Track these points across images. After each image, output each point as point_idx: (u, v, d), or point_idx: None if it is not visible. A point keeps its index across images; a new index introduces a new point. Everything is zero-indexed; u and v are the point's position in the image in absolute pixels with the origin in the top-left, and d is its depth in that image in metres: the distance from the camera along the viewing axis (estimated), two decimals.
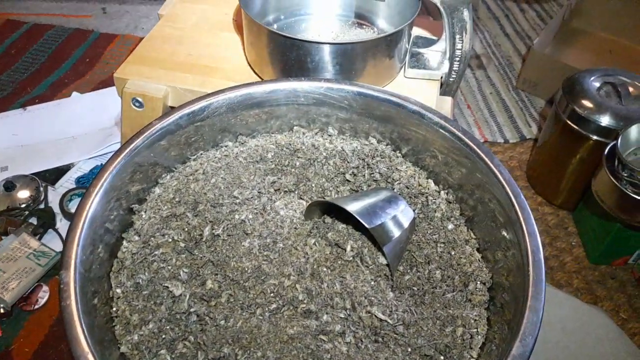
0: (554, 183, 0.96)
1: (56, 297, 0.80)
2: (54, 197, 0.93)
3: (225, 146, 0.55)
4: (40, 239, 0.85)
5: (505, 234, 0.46)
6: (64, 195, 0.91)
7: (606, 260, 0.85)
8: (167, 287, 0.43)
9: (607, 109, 0.83)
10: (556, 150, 0.94)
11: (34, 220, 0.88)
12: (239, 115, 0.55)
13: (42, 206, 0.91)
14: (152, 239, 0.47)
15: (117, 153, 0.49)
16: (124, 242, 0.48)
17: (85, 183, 0.96)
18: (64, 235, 0.86)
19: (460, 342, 0.43)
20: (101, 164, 0.97)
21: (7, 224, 0.85)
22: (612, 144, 0.79)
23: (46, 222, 0.87)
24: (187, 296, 0.43)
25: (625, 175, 0.76)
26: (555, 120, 0.92)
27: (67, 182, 0.97)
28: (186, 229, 0.47)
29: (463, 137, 0.49)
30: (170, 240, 0.47)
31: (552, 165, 0.96)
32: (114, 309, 0.44)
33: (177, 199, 0.50)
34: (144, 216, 0.49)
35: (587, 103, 0.85)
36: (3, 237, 0.84)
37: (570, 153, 0.90)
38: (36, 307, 0.78)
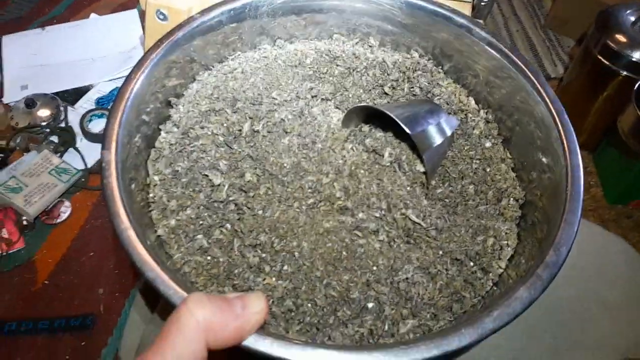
0: (577, 122, 0.94)
1: (77, 212, 0.81)
2: (74, 117, 0.92)
3: (264, 49, 0.54)
4: (61, 157, 0.86)
5: (543, 158, 0.46)
6: (84, 116, 0.91)
7: (624, 200, 0.85)
8: (207, 175, 0.44)
9: None
10: (582, 88, 0.92)
11: (54, 139, 0.88)
12: (277, 19, 0.54)
13: (62, 125, 0.91)
14: (191, 130, 0.47)
15: (158, 43, 0.48)
16: (162, 133, 0.48)
17: (105, 104, 0.96)
18: (84, 155, 0.87)
19: (490, 252, 0.44)
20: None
21: (28, 140, 0.86)
22: None
23: (67, 141, 0.87)
24: (226, 186, 0.44)
25: None
26: (584, 56, 0.90)
27: (86, 102, 0.97)
28: (225, 124, 0.47)
29: (510, 54, 0.48)
30: (209, 133, 0.47)
31: (577, 104, 0.94)
32: (151, 195, 0.44)
33: (215, 95, 0.50)
34: (182, 109, 0.49)
35: (621, 37, 0.82)
36: (25, 154, 0.84)
37: (597, 90, 0.89)
38: (58, 221, 0.79)
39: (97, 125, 0.89)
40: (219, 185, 0.44)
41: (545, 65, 1.13)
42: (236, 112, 0.48)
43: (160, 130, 0.48)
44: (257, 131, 0.47)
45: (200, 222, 0.42)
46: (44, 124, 0.89)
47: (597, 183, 0.90)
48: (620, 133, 0.80)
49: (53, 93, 0.95)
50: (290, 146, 0.46)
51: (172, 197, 0.44)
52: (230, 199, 0.43)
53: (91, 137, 0.89)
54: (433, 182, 0.48)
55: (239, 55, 0.54)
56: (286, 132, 0.47)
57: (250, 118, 0.47)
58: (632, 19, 0.85)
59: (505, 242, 0.44)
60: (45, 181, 0.80)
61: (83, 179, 0.83)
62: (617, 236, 0.59)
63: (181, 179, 0.44)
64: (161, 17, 0.70)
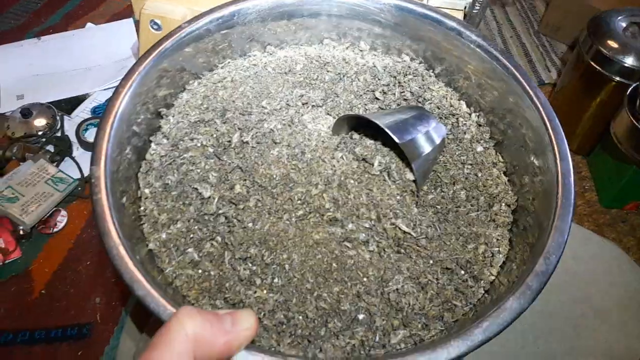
0: (571, 128, 0.95)
1: (74, 221, 0.81)
2: (70, 126, 0.93)
3: (253, 56, 0.54)
4: (57, 166, 0.86)
5: (534, 160, 0.46)
6: (80, 125, 0.91)
7: (618, 204, 0.85)
8: (197, 188, 0.44)
9: (632, 49, 0.81)
10: (576, 93, 0.92)
11: (50, 148, 0.88)
12: (268, 24, 0.53)
13: (58, 134, 0.91)
14: (181, 142, 0.47)
15: (146, 54, 0.48)
16: (152, 145, 0.48)
17: (101, 113, 0.97)
18: (80, 164, 0.87)
19: (482, 259, 0.44)
20: None
21: (24, 150, 0.86)
22: (635, 84, 0.78)
23: (63, 150, 0.88)
24: (216, 199, 0.43)
25: None
26: (577, 62, 0.90)
27: (82, 112, 0.98)
28: (215, 135, 0.47)
29: (501, 57, 0.48)
30: (199, 145, 0.46)
31: (570, 109, 0.94)
32: (142, 208, 0.44)
33: (205, 106, 0.49)
34: (171, 120, 0.49)
35: (612, 43, 0.82)
36: (21, 163, 0.84)
37: (590, 96, 0.89)
38: (55, 230, 0.80)
39: (93, 134, 0.90)
40: (208, 198, 0.43)
41: (539, 71, 1.14)
42: (225, 122, 0.48)
43: (151, 141, 0.48)
44: (247, 142, 0.46)
45: (191, 236, 0.42)
46: (40, 133, 0.89)
47: (592, 187, 0.90)
48: (613, 138, 0.80)
49: (49, 102, 0.95)
50: (280, 157, 0.46)
51: (162, 210, 0.44)
52: (220, 211, 0.43)
53: (87, 146, 0.89)
54: (425, 188, 0.48)
55: (229, 63, 0.54)
56: (275, 143, 0.47)
57: (239, 129, 0.47)
58: (624, 24, 0.85)
59: (497, 248, 0.44)
60: (41, 191, 0.80)
61: (79, 188, 0.83)
62: (611, 242, 0.59)
63: (171, 192, 0.44)
64: (155, 27, 0.70)
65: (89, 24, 1.16)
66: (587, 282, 0.55)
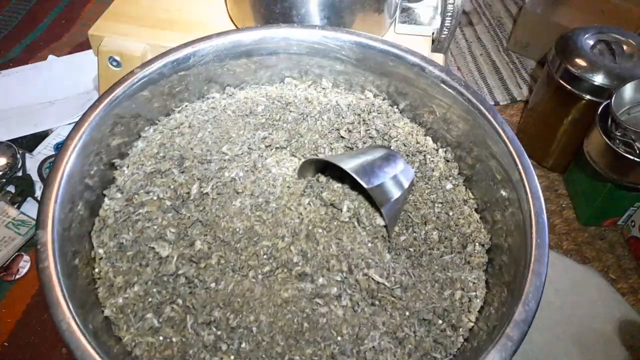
0: (545, 145, 0.95)
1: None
2: (32, 164, 0.89)
3: (212, 98, 0.52)
4: (19, 207, 0.82)
5: (504, 193, 0.45)
6: (42, 162, 0.88)
7: (596, 221, 0.85)
8: (153, 247, 0.41)
9: (601, 67, 0.81)
10: (547, 111, 0.92)
11: (11, 189, 0.84)
12: (226, 64, 0.51)
13: (19, 174, 0.87)
14: (136, 196, 0.44)
15: (96, 103, 0.45)
16: (106, 200, 0.45)
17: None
18: None
19: (459, 306, 0.42)
20: None
21: None
22: (605, 103, 0.78)
23: (25, 190, 0.84)
24: (175, 257, 0.41)
25: (618, 134, 0.75)
26: (547, 80, 0.90)
27: (45, 148, 0.94)
28: (172, 187, 0.44)
29: (465, 92, 0.46)
30: (155, 198, 0.44)
31: (543, 127, 0.94)
32: (97, 270, 0.42)
33: (161, 154, 0.47)
34: (126, 172, 0.46)
35: (581, 62, 0.82)
36: None
37: (561, 114, 0.89)
38: (17, 276, 0.76)
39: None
40: (167, 257, 0.41)
41: (511, 88, 1.14)
42: (184, 172, 0.45)
43: (104, 195, 0.45)
44: (207, 193, 0.44)
45: (149, 299, 0.40)
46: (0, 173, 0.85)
47: (570, 205, 0.90)
48: (587, 157, 0.79)
49: (9, 140, 0.91)
50: (243, 208, 0.43)
51: (118, 272, 0.41)
52: (180, 271, 0.40)
53: None
54: (396, 229, 0.46)
55: (186, 106, 0.51)
56: (237, 193, 0.44)
57: (198, 179, 0.45)
58: (591, 42, 0.85)
59: (474, 293, 0.42)
60: (2, 235, 0.77)
61: None
62: (591, 269, 0.58)
63: (127, 252, 0.41)
64: (114, 64, 0.68)
65: (50, 56, 1.13)
66: (570, 315, 0.53)
